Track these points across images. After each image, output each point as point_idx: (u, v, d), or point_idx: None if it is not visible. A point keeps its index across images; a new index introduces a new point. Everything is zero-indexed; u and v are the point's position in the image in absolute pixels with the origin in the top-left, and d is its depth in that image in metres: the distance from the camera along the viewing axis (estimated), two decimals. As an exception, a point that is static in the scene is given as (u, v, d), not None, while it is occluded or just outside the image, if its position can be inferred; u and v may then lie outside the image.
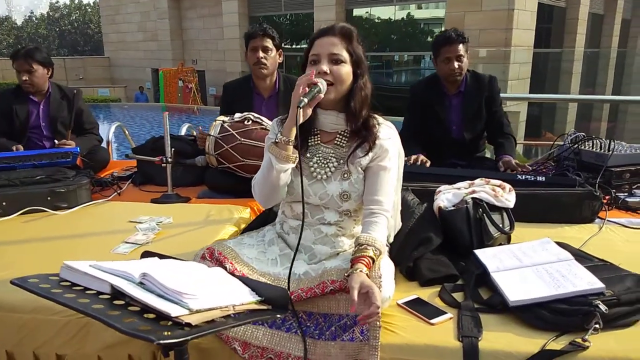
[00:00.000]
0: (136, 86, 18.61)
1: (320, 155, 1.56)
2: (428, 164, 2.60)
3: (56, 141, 2.93)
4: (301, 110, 1.39)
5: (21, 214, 2.25)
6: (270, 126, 1.67)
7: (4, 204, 2.23)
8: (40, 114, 3.06)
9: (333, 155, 1.56)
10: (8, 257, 1.82)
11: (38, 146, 3.02)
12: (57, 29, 38.44)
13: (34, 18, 41.26)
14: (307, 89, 1.41)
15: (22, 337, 1.53)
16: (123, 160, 3.56)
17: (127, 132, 4.35)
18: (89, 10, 38.78)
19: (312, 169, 1.55)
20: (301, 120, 1.41)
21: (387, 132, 1.57)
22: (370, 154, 1.53)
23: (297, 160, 1.47)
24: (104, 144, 3.55)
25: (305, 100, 1.39)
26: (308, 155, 1.57)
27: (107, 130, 3.99)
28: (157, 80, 17.65)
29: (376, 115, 1.58)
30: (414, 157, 2.63)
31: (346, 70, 1.49)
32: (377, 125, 1.56)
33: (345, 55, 1.49)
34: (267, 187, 1.53)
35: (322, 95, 1.44)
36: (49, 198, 2.30)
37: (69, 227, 2.15)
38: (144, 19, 19.50)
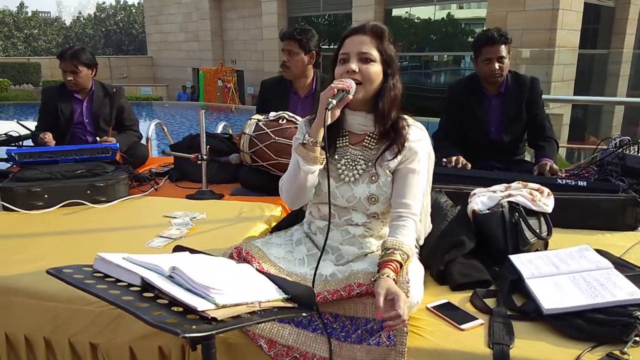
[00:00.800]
0: (178, 85, 19.04)
1: (348, 157, 1.55)
2: (469, 167, 2.54)
3: (98, 138, 3.02)
4: (329, 112, 1.38)
5: (61, 206, 2.32)
6: (298, 126, 1.67)
7: (45, 196, 2.31)
8: (84, 111, 3.16)
9: (361, 157, 1.54)
10: (47, 248, 1.89)
11: (82, 141, 3.13)
12: (103, 29, 39.74)
13: (81, 18, 42.79)
14: (335, 90, 1.39)
15: (58, 325, 1.59)
16: (161, 157, 3.64)
17: (166, 130, 4.44)
18: (134, 10, 39.94)
19: (340, 171, 1.53)
20: (329, 122, 1.40)
21: (417, 134, 1.53)
22: (399, 157, 1.50)
23: (325, 161, 1.46)
24: (143, 141, 3.64)
25: (334, 102, 1.38)
26: (336, 157, 1.55)
27: (146, 128, 4.09)
28: (198, 80, 18.00)
29: (406, 117, 1.55)
30: (454, 158, 2.57)
31: (375, 69, 1.47)
32: (406, 127, 1.52)
33: (375, 54, 1.47)
34: (294, 188, 1.52)
35: (351, 97, 1.42)
36: (88, 192, 2.37)
37: (106, 220, 2.21)
38: (186, 20, 19.94)
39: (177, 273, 1.10)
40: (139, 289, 1.10)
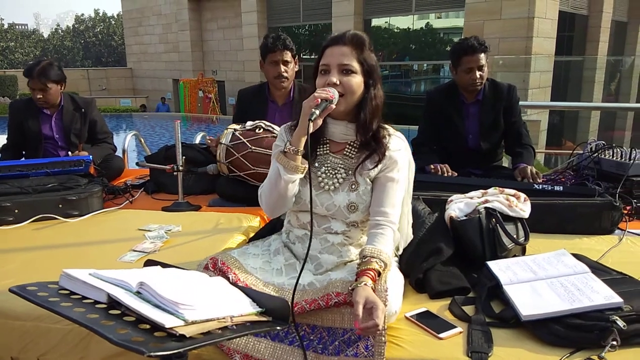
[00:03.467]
0: (157, 96, 18.91)
1: (328, 165, 1.54)
2: (455, 175, 2.55)
3: (70, 153, 2.95)
4: (311, 123, 1.36)
5: (32, 221, 2.26)
6: (278, 133, 1.64)
7: (16, 211, 2.24)
8: (53, 126, 3.07)
9: (342, 165, 1.53)
10: (16, 265, 1.83)
11: (54, 156, 3.05)
12: (82, 41, 39.40)
13: (59, 31, 42.36)
14: (319, 100, 1.38)
15: (26, 344, 1.53)
16: (138, 169, 3.58)
17: (142, 141, 4.38)
18: (113, 22, 39.70)
19: (320, 179, 1.52)
20: (311, 131, 1.39)
21: (398, 144, 1.54)
22: (380, 166, 1.50)
23: (306, 170, 1.44)
24: (120, 153, 3.58)
25: (317, 112, 1.36)
26: (316, 164, 1.55)
27: (122, 139, 4.03)
28: (178, 91, 17.90)
29: (387, 126, 1.55)
30: (441, 166, 2.59)
31: (357, 80, 1.46)
32: (387, 137, 1.53)
33: (356, 65, 1.47)
34: (274, 197, 1.50)
35: (333, 106, 1.41)
36: (60, 206, 2.31)
37: (79, 234, 2.15)
38: (166, 31, 19.86)
39: (144, 289, 1.07)
40: (105, 306, 1.07)
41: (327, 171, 1.53)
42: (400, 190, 1.52)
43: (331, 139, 1.56)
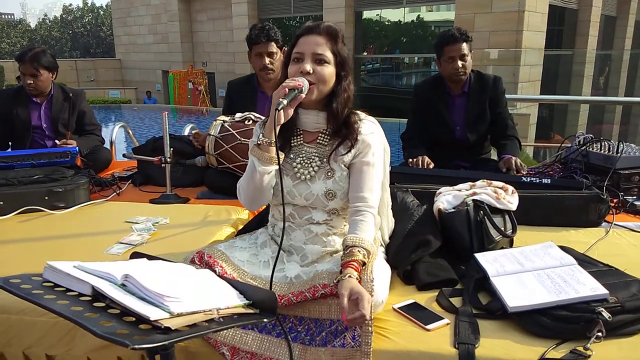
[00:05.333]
0: (146, 88, 18.71)
1: (303, 155, 1.54)
2: (432, 166, 2.56)
3: (57, 141, 2.92)
4: (281, 112, 1.37)
5: (18, 213, 2.23)
6: (254, 128, 1.64)
7: (1, 203, 2.21)
8: (42, 115, 3.04)
9: (316, 154, 1.53)
10: (1, 257, 1.80)
11: (41, 146, 3.02)
12: (70, 32, 38.86)
13: (47, 21, 41.75)
14: (287, 90, 1.38)
15: (11, 338, 1.51)
16: (125, 161, 3.54)
17: (131, 133, 4.34)
18: (102, 12, 39.16)
19: (296, 169, 1.53)
20: (282, 122, 1.40)
21: (370, 127, 1.54)
22: (353, 151, 1.50)
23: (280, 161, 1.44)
24: (107, 145, 3.54)
25: (285, 102, 1.37)
26: (291, 156, 1.55)
27: (110, 131, 3.99)
28: (167, 82, 17.74)
29: (358, 112, 1.56)
30: (419, 158, 2.59)
31: (329, 71, 1.47)
32: (358, 121, 1.53)
33: (329, 55, 1.47)
34: (251, 190, 1.51)
35: (303, 96, 1.42)
36: (46, 197, 2.28)
37: (65, 227, 2.13)
38: (155, 22, 19.63)
39: (129, 281, 1.05)
40: (89, 298, 1.05)
41: (302, 161, 1.53)
42: (377, 174, 1.53)
43: (304, 129, 1.57)
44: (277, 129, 1.37)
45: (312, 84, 1.44)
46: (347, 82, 1.51)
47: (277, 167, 1.44)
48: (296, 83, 1.39)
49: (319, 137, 1.54)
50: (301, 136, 1.56)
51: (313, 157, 1.53)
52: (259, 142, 1.44)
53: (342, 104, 1.49)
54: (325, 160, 1.52)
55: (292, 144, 1.56)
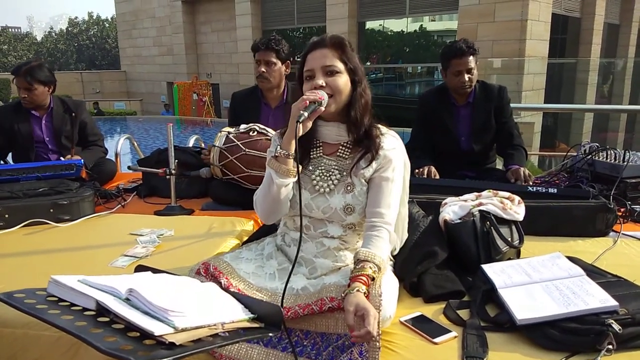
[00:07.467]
0: (152, 99, 18.81)
1: (322, 167, 1.52)
2: (437, 177, 2.55)
3: (62, 158, 2.92)
4: (300, 124, 1.36)
5: (23, 226, 2.23)
6: (272, 139, 1.63)
7: (6, 216, 2.21)
8: (43, 129, 3.04)
9: (336, 167, 1.52)
10: (6, 270, 1.80)
11: (45, 160, 3.02)
12: (76, 44, 39.23)
13: (53, 33, 42.17)
14: (307, 102, 1.37)
15: (16, 352, 1.50)
16: (130, 173, 3.55)
17: (136, 144, 4.35)
18: (107, 25, 39.56)
19: (315, 182, 1.51)
20: (301, 133, 1.38)
21: (392, 142, 1.53)
22: (374, 165, 1.48)
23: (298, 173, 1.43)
24: (112, 157, 3.55)
25: (305, 114, 1.36)
26: (310, 168, 1.53)
27: (115, 143, 4.00)
28: (172, 94, 17.84)
29: (379, 125, 1.54)
30: (425, 168, 2.58)
31: (343, 80, 1.46)
32: (380, 136, 1.52)
33: (339, 65, 1.46)
34: (269, 202, 1.49)
35: (322, 109, 1.41)
36: (51, 210, 2.28)
37: (70, 239, 2.12)
38: (160, 34, 19.79)
39: (134, 295, 1.05)
40: (93, 313, 1.05)
41: (321, 174, 1.51)
42: (396, 190, 1.51)
43: (324, 141, 1.55)
44: (297, 141, 1.36)
45: (329, 96, 1.44)
46: (362, 87, 1.50)
47: (294, 179, 1.43)
48: (317, 96, 1.39)
49: (339, 150, 1.53)
50: (321, 148, 1.55)
51: (333, 169, 1.51)
52: (276, 154, 1.43)
53: (360, 110, 1.48)
54: (345, 173, 1.50)
55: (311, 156, 1.54)
